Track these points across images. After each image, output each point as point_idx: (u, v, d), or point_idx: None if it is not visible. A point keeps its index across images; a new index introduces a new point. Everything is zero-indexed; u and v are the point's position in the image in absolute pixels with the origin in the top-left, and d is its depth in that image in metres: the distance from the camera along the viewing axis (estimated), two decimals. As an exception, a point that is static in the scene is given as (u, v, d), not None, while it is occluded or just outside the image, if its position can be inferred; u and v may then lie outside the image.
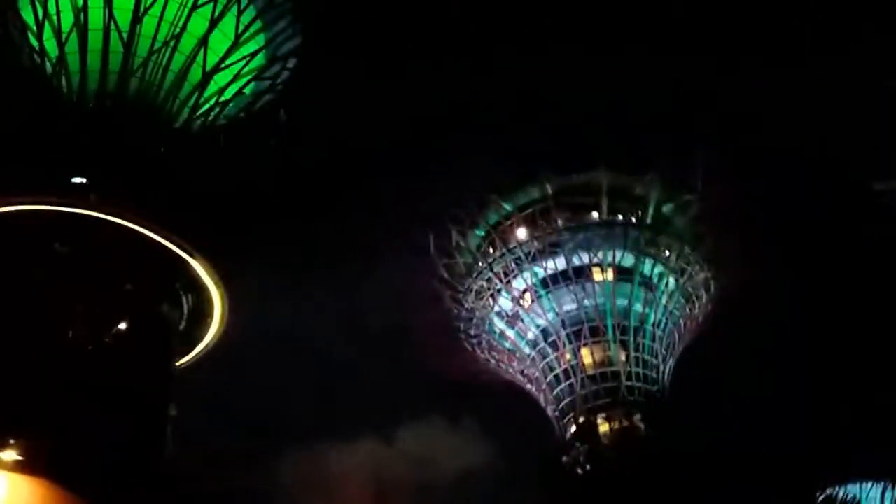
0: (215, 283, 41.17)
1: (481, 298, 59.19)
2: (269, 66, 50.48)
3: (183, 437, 38.16)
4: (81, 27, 44.37)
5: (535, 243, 57.24)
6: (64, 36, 44.38)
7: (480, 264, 58.49)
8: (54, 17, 44.36)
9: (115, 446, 33.07)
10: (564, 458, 53.87)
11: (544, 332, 57.92)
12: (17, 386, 32.77)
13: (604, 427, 54.10)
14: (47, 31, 44.55)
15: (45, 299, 35.99)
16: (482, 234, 59.25)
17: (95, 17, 44.75)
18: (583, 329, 56.57)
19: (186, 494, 34.18)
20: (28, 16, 44.71)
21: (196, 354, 42.54)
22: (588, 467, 52.58)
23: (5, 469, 29.01)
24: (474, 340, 60.80)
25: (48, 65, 44.41)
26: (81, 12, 44.26)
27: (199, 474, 39.16)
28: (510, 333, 59.67)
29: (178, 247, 40.43)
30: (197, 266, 40.89)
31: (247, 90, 49.75)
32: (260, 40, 49.85)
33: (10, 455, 29.25)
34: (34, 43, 44.54)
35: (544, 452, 56.54)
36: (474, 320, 59.96)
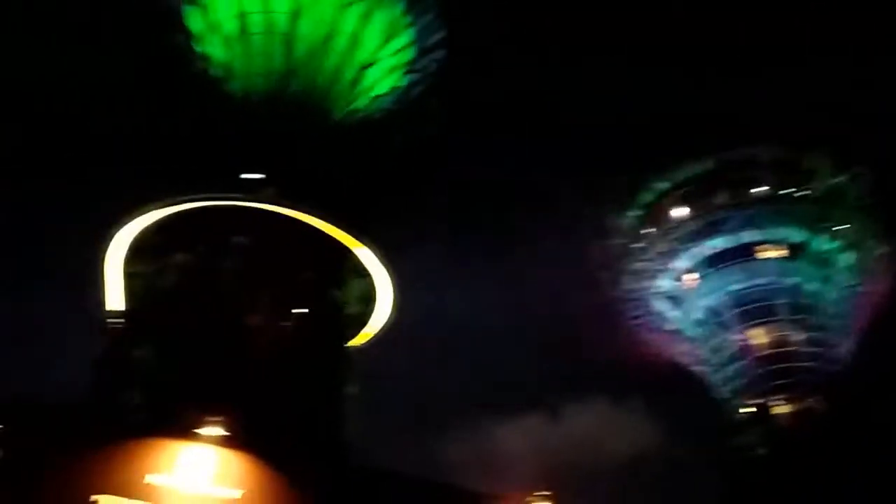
0: (384, 269, 42.01)
1: (641, 279, 57.70)
2: (419, 59, 51.62)
3: (358, 414, 39.18)
4: (244, 32, 46.60)
5: (696, 221, 55.25)
6: (228, 42, 46.70)
7: (638, 245, 57.01)
8: (219, 25, 46.76)
9: (302, 421, 34.38)
10: (739, 441, 51.47)
11: (711, 313, 55.81)
12: (215, 368, 34.66)
13: (780, 409, 51.35)
14: (213, 39, 47.06)
15: (233, 288, 37.89)
16: (638, 213, 57.78)
17: (255, 22, 46.94)
18: (752, 309, 54.04)
19: (361, 467, 34.91)
20: (195, 25, 47.39)
21: (368, 336, 43.58)
22: (765, 450, 50.02)
23: (212, 444, 30.48)
24: (637, 322, 59.29)
25: (217, 70, 46.84)
26: (243, 18, 46.45)
27: (373, 449, 40.06)
28: (674, 314, 57.84)
29: (346, 235, 41.50)
30: (365, 253, 41.86)
31: (399, 83, 50.94)
32: (409, 34, 50.89)
33: (217, 431, 30.73)
34: (202, 49, 47.09)
35: (716, 435, 54.25)
36: (635, 302, 58.49)
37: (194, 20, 47.31)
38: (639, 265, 57.80)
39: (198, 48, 47.24)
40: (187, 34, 47.31)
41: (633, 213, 57.71)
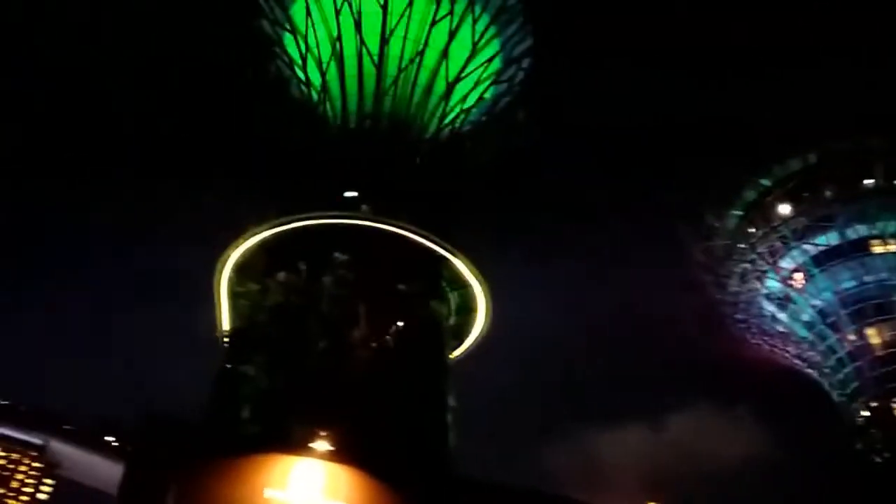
0: (478, 280, 42.64)
1: (746, 281, 55.67)
2: (506, 69, 51.99)
3: (459, 426, 39.80)
4: (338, 55, 48.33)
5: (802, 218, 53.01)
6: (324, 65, 48.53)
7: (742, 246, 55.16)
8: (315, 50, 48.66)
9: (406, 433, 35.29)
10: (858, 445, 49.05)
11: (821, 313, 53.33)
12: (320, 383, 36.17)
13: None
14: (310, 63, 49.02)
15: (335, 304, 39.42)
16: (740, 213, 55.90)
17: (349, 45, 48.58)
18: (866, 307, 51.48)
19: (465, 478, 35.35)
20: (293, 51, 49.52)
21: (465, 348, 44.30)
22: (886, 454, 47.45)
23: (320, 458, 31.77)
24: (743, 325, 57.28)
25: (313, 93, 48.77)
26: (337, 42, 48.21)
27: (475, 460, 40.57)
28: (782, 316, 55.55)
29: (442, 248, 42.40)
30: (460, 265, 42.62)
31: (487, 95, 51.54)
32: (495, 45, 51.33)
33: (324, 446, 32.03)
34: (300, 74, 49.12)
35: (831, 439, 51.90)
36: (741, 304, 56.48)
37: (291, 47, 49.50)
38: (743, 266, 55.86)
39: (297, 73, 49.31)
40: (288, 60, 49.54)
41: (735, 212, 55.86)
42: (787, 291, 54.73)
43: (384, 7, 47.95)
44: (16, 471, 62.41)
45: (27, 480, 62.59)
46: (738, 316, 57.09)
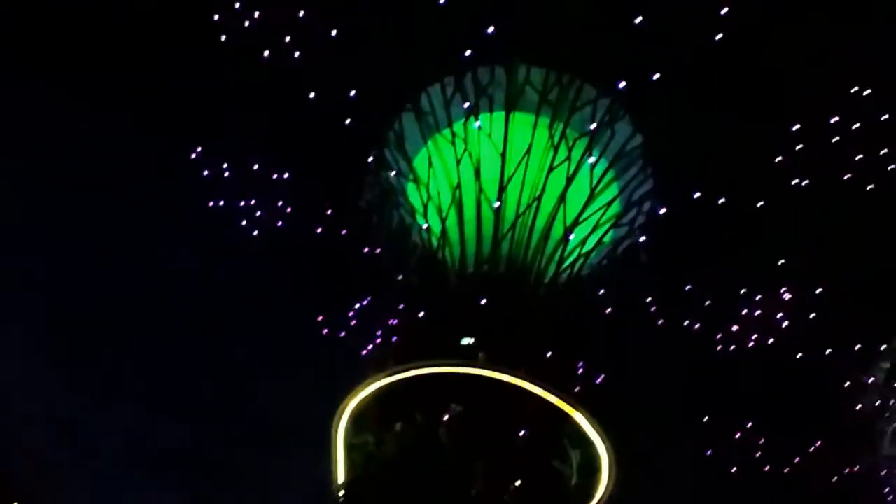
0: (601, 438, 40.45)
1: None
2: (626, 213, 51.50)
3: None
4: (458, 202, 49.35)
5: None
6: (444, 212, 49.62)
7: (893, 402, 50.35)
8: (436, 198, 50.00)
9: None
10: None
11: None
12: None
13: None
14: (431, 210, 50.29)
15: (452, 458, 38.26)
16: (887, 365, 51.40)
17: (468, 192, 49.66)
18: None
19: None
20: (415, 200, 51.09)
21: (590, 508, 41.63)
22: None
23: None
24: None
25: (433, 239, 49.69)
26: (457, 189, 49.38)
27: None
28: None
29: (562, 401, 40.79)
30: (582, 420, 40.72)
31: (606, 238, 50.95)
32: (614, 189, 51.21)
33: None
34: (421, 222, 50.37)
35: None
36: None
37: (413, 195, 51.16)
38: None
39: (419, 221, 50.68)
40: (410, 209, 51.15)
41: (884, 365, 51.37)
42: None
43: (503, 155, 48.96)
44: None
45: None
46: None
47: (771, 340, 50.06)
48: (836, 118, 46.52)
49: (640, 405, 48.43)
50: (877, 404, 51.39)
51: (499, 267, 47.88)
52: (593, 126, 48.86)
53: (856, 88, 45.77)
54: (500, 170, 48.89)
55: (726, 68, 46.84)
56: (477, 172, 49.18)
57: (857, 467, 50.90)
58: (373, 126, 50.57)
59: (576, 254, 49.60)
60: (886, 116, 45.22)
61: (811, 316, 48.81)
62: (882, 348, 51.69)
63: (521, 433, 39.77)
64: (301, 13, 47.75)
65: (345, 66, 48.58)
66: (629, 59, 47.95)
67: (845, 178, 47.09)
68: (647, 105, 49.50)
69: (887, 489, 51.83)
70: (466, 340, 44.01)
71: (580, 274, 49.74)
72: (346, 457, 40.86)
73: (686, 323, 49.75)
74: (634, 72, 48.43)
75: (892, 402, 51.26)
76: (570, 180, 49.65)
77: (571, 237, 48.56)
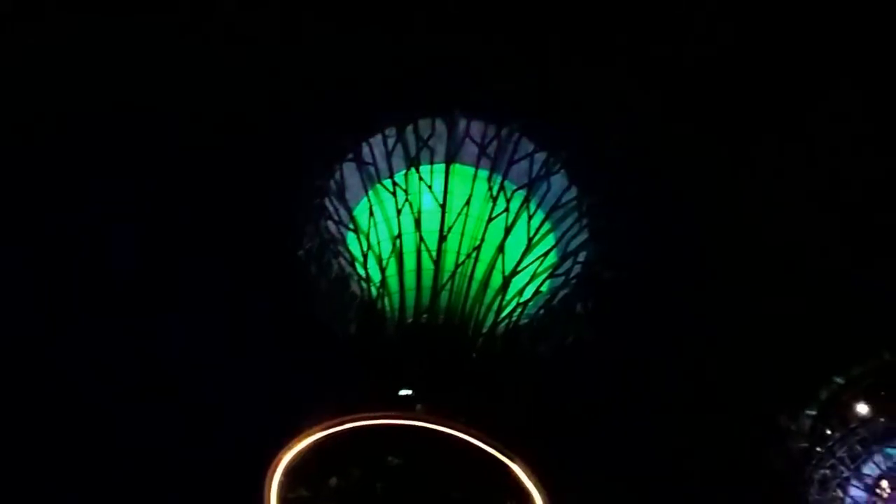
0: (538, 489, 40.47)
1: (827, 489, 51.65)
2: (562, 263, 52.43)
3: None
4: (398, 252, 49.51)
5: (882, 420, 49.93)
6: (384, 262, 49.71)
7: (819, 449, 51.77)
8: (376, 247, 50.12)
9: None
10: None
11: (915, 527, 48.72)
12: None
13: None
14: (370, 260, 50.32)
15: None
16: (814, 413, 52.93)
17: (408, 241, 49.95)
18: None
19: None
20: (355, 249, 51.08)
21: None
22: None
23: None
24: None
25: (373, 289, 49.63)
26: (398, 239, 49.58)
27: None
28: (871, 529, 50.94)
29: (500, 452, 40.73)
30: (518, 471, 40.70)
31: (543, 288, 51.71)
32: (550, 240, 52.20)
33: None
34: (361, 271, 50.31)
35: None
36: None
37: (353, 245, 51.15)
38: (823, 472, 52.10)
39: (358, 270, 50.58)
40: (349, 258, 51.06)
41: (810, 412, 52.92)
42: (875, 502, 50.42)
43: (443, 206, 49.53)
44: None
45: None
46: (823, 529, 52.52)
47: (699, 384, 51.46)
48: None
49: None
50: (804, 452, 52.66)
51: (438, 317, 48.09)
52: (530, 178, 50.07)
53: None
54: (441, 220, 49.66)
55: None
56: (417, 223, 49.65)
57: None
58: (314, 176, 50.74)
59: (514, 303, 50.27)
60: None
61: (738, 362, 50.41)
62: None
63: (459, 485, 39.45)
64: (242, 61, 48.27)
65: (283, 117, 48.91)
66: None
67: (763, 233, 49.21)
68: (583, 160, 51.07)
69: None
70: (405, 391, 43.81)
71: (518, 323, 50.22)
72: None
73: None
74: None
75: (818, 449, 52.81)
76: (508, 231, 50.58)
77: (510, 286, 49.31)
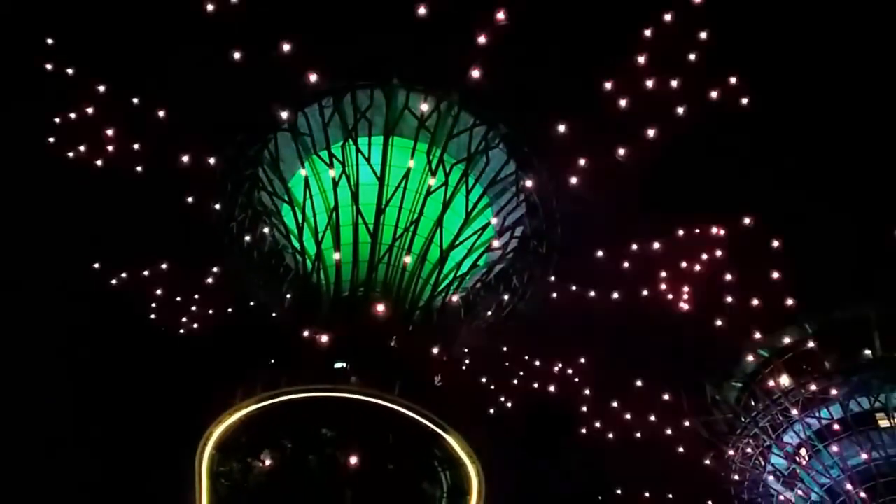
0: (470, 458, 40.92)
1: (750, 458, 53.70)
2: (498, 237, 52.68)
3: None
4: (334, 225, 48.89)
5: (802, 391, 51.97)
6: (320, 234, 49.07)
7: (743, 420, 53.64)
8: (311, 220, 49.39)
9: None
10: None
11: (830, 492, 51.03)
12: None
13: None
14: (306, 232, 49.62)
15: (322, 483, 37.59)
16: (740, 385, 54.82)
17: (345, 214, 49.36)
18: (877, 485, 49.25)
19: None
20: (290, 221, 50.27)
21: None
22: None
23: None
24: (749, 507, 54.61)
25: (308, 262, 49.00)
26: (334, 212, 48.92)
27: None
28: (789, 495, 52.98)
29: (433, 423, 41.00)
30: (452, 441, 41.07)
31: (480, 262, 51.95)
32: (488, 214, 52.33)
33: None
34: (296, 244, 49.57)
35: None
36: (746, 483, 54.20)
37: (288, 217, 50.32)
38: (745, 442, 54.07)
39: (293, 243, 49.83)
40: (284, 230, 50.21)
41: (734, 384, 54.74)
42: (794, 468, 52.69)
43: (381, 179, 49.00)
44: None
45: None
46: (744, 496, 54.52)
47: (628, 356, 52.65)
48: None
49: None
50: (729, 422, 54.44)
51: (374, 290, 47.84)
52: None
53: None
54: (378, 194, 49.18)
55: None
56: (355, 196, 48.99)
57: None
58: (247, 146, 49.55)
59: (451, 276, 50.36)
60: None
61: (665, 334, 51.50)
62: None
63: (392, 457, 39.60)
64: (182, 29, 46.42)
65: (220, 82, 47.32)
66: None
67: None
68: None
69: (741, 498, 54.94)
70: (339, 364, 43.56)
71: (455, 297, 50.39)
72: (209, 486, 39.32)
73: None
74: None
75: (742, 419, 54.52)
76: (446, 205, 50.42)
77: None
